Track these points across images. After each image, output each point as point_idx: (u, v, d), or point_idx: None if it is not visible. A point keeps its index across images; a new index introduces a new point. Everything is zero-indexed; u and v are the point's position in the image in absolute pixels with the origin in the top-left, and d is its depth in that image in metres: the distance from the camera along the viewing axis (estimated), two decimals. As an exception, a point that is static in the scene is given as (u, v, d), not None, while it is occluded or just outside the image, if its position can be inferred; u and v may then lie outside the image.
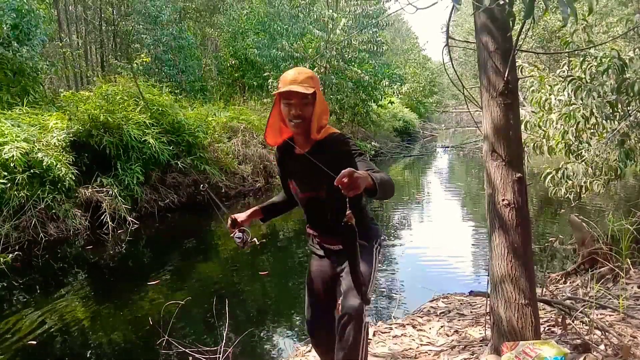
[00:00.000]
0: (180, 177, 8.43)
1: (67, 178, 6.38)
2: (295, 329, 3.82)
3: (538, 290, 3.00)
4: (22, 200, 5.96)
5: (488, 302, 2.33)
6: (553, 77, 4.53)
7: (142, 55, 12.19)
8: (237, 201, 8.96)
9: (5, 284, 4.90)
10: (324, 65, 13.48)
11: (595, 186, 3.89)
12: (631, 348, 2.29)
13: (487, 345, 2.40)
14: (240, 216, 2.05)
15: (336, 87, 13.87)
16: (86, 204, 6.80)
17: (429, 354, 2.70)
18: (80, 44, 16.07)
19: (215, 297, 3.48)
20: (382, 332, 3.08)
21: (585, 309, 2.77)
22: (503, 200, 2.06)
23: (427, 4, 2.04)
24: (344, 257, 1.91)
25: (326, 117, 1.90)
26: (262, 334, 3.74)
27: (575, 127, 3.87)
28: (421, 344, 2.85)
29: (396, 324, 3.27)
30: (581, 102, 3.74)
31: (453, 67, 2.60)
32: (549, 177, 4.08)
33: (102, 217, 6.68)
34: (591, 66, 3.64)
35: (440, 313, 3.47)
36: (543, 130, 4.34)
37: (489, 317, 2.43)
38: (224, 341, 2.66)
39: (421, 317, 3.36)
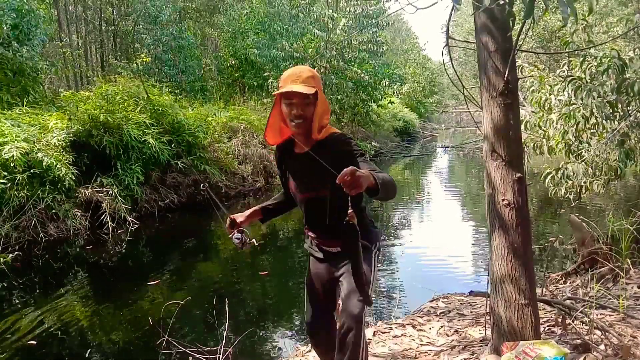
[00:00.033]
0: (180, 177, 8.43)
1: (67, 178, 6.38)
2: (295, 329, 3.82)
3: (538, 290, 3.00)
4: (22, 200, 5.96)
5: (488, 302, 2.33)
6: (553, 77, 4.53)
7: (142, 55, 12.20)
8: (237, 201, 8.96)
9: (5, 284, 4.90)
10: (324, 65, 13.48)
11: (595, 186, 3.89)
12: (631, 348, 2.29)
13: (487, 345, 2.40)
14: (239, 217, 2.02)
15: (336, 87, 13.87)
16: (86, 204, 6.80)
17: (429, 354, 2.70)
18: (80, 44, 16.06)
19: (215, 297, 3.48)
20: (382, 332, 3.08)
21: (585, 309, 2.77)
22: (503, 200, 2.06)
23: (427, 4, 2.04)
24: (342, 260, 1.90)
25: (327, 117, 1.87)
26: (262, 334, 3.74)
27: (575, 127, 3.87)
28: (421, 344, 2.86)
29: (396, 324, 3.27)
30: (581, 102, 3.74)
31: (453, 67, 2.60)
32: (549, 177, 4.08)
33: (102, 217, 6.68)
34: (591, 66, 3.64)
35: (440, 313, 3.47)
36: (543, 130, 4.34)
37: (489, 317, 2.43)
38: (224, 341, 2.66)
39: (421, 317, 3.37)
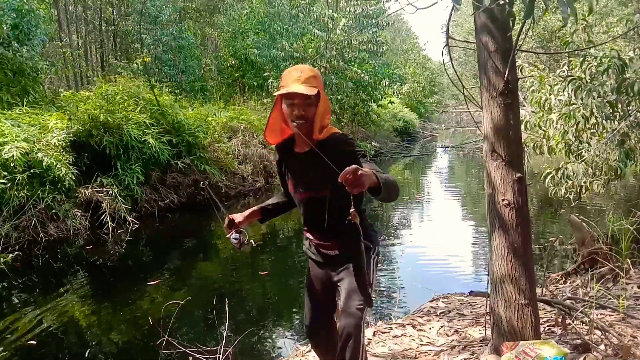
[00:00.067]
0: (180, 177, 8.43)
1: (67, 178, 6.38)
2: (295, 329, 3.82)
3: (538, 290, 3.00)
4: (22, 200, 5.96)
5: (488, 302, 2.33)
6: (553, 77, 4.53)
7: (142, 55, 12.18)
8: (237, 201, 8.96)
9: (5, 284, 4.90)
10: (324, 65, 13.47)
11: (595, 186, 3.89)
12: (631, 348, 2.29)
13: (487, 345, 2.40)
14: (238, 217, 2.01)
15: (336, 87, 13.87)
16: (86, 204, 6.80)
17: (429, 354, 2.70)
18: (80, 44, 16.06)
19: (215, 297, 3.48)
20: (382, 332, 3.08)
21: (585, 309, 2.77)
22: (503, 200, 2.06)
23: (427, 4, 2.04)
24: (341, 264, 1.88)
25: (328, 117, 1.84)
26: (262, 334, 3.74)
27: (575, 127, 3.87)
28: (421, 344, 2.86)
29: (396, 324, 3.27)
30: (581, 102, 3.74)
31: (453, 67, 2.60)
32: (549, 177, 4.08)
33: (102, 217, 6.68)
34: (591, 66, 3.64)
35: (440, 313, 3.47)
36: (543, 130, 4.34)
37: (489, 317, 2.43)
38: (224, 341, 2.66)
39: (421, 317, 3.37)
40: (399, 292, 4.47)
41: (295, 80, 1.73)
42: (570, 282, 3.91)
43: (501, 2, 1.78)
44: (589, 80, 3.68)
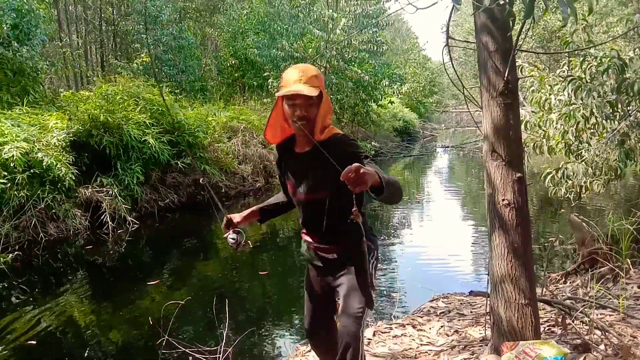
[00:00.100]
0: (180, 177, 8.43)
1: (67, 178, 6.38)
2: (295, 329, 3.82)
3: (538, 290, 3.00)
4: (22, 200, 5.96)
5: (488, 302, 2.33)
6: (553, 77, 4.53)
7: (142, 55, 12.19)
8: (237, 201, 8.97)
9: (5, 284, 4.90)
10: (324, 65, 13.47)
11: (595, 186, 3.89)
12: (631, 348, 2.29)
13: (487, 345, 2.40)
14: (236, 217, 1.99)
15: (336, 87, 13.88)
16: (86, 204, 6.80)
17: (429, 354, 2.70)
18: (80, 44, 16.06)
19: (215, 297, 3.48)
20: (382, 332, 3.08)
21: (585, 309, 2.77)
22: (503, 200, 2.06)
23: (427, 4, 2.04)
24: (339, 270, 1.86)
25: (330, 117, 1.81)
26: (262, 334, 3.74)
27: (575, 127, 3.87)
28: (421, 344, 2.86)
29: (396, 324, 3.27)
30: (581, 102, 3.74)
31: (453, 67, 2.60)
32: (549, 177, 4.08)
33: (102, 217, 6.68)
34: (591, 66, 3.64)
35: (440, 313, 3.47)
36: (543, 130, 4.34)
37: (489, 317, 2.43)
38: (224, 341, 2.66)
39: (421, 317, 3.37)
40: (399, 292, 4.47)
41: (296, 80, 1.70)
42: (570, 282, 3.91)
43: (501, 2, 1.78)
44: (589, 80, 3.68)
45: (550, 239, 4.93)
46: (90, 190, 6.88)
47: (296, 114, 1.71)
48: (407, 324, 3.21)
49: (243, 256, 5.58)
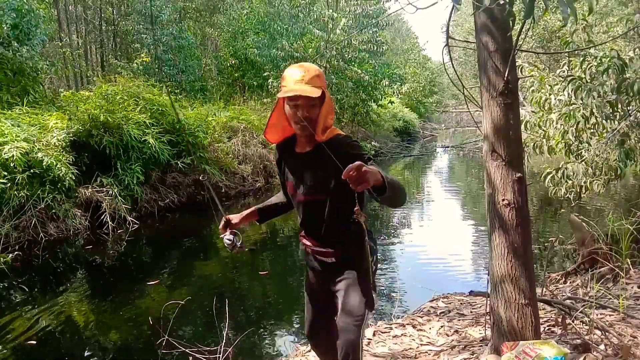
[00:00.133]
0: (180, 177, 8.43)
1: (67, 178, 6.38)
2: (295, 329, 3.82)
3: (538, 290, 3.00)
4: (22, 200, 5.96)
5: (488, 302, 2.33)
6: (553, 77, 4.53)
7: (142, 55, 12.19)
8: (237, 201, 8.97)
9: (5, 284, 4.90)
10: (324, 65, 13.47)
11: (595, 186, 3.89)
12: (631, 348, 2.29)
13: (487, 345, 2.41)
14: (235, 218, 1.97)
15: (336, 87, 13.88)
16: (86, 204, 6.80)
17: (429, 354, 2.70)
18: (80, 44, 16.07)
19: (215, 297, 3.48)
20: (382, 332, 3.08)
21: (585, 309, 2.77)
22: (503, 200, 2.06)
23: (427, 4, 2.04)
24: (337, 274, 1.83)
25: (332, 117, 1.78)
26: (262, 334, 3.74)
27: (575, 127, 3.87)
28: (421, 344, 2.86)
29: (396, 324, 3.27)
30: (581, 102, 3.74)
31: (453, 67, 2.60)
32: (549, 177, 4.08)
33: (102, 217, 6.68)
34: (591, 66, 3.64)
35: (440, 313, 3.47)
36: (543, 130, 4.34)
37: (489, 317, 2.43)
38: (224, 341, 2.66)
39: (421, 317, 3.37)
40: (399, 292, 4.47)
41: (298, 80, 1.66)
42: (570, 282, 3.91)
43: (501, 2, 1.78)
44: (589, 80, 3.68)
45: (550, 239, 4.93)
46: (90, 190, 6.88)
47: (298, 114, 1.68)
48: (407, 324, 3.21)
49: (243, 256, 5.58)
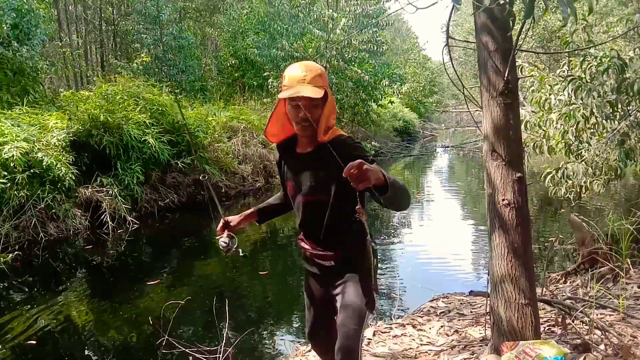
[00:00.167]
0: (180, 177, 8.43)
1: (67, 178, 6.38)
2: (295, 329, 3.82)
3: (538, 290, 3.00)
4: (22, 200, 5.96)
5: (488, 302, 2.33)
6: (553, 77, 4.53)
7: (142, 55, 12.19)
8: (237, 201, 8.97)
9: (5, 284, 4.89)
10: (324, 65, 13.46)
11: (595, 186, 3.89)
12: (631, 348, 2.29)
13: (487, 345, 2.41)
14: (234, 220, 1.95)
15: (336, 87, 13.88)
16: (86, 204, 6.80)
17: (429, 354, 2.70)
18: (80, 44, 16.06)
19: (215, 297, 3.48)
20: (382, 332, 3.08)
21: (585, 309, 2.77)
22: (503, 200, 2.06)
23: (427, 4, 2.04)
24: (337, 277, 1.80)
25: (334, 117, 1.74)
26: (262, 334, 3.74)
27: (575, 126, 3.87)
28: (421, 344, 2.86)
29: (396, 323, 3.27)
30: (581, 102, 3.74)
31: (453, 67, 2.60)
32: (549, 177, 4.08)
33: (102, 217, 6.68)
34: (591, 66, 3.64)
35: (440, 313, 3.47)
36: (543, 130, 4.34)
37: (489, 317, 2.43)
38: (224, 341, 2.66)
39: (421, 317, 3.37)
40: (399, 292, 4.47)
41: (300, 80, 1.62)
42: (570, 282, 3.91)
43: (501, 2, 1.78)
44: (589, 80, 3.68)
45: (550, 239, 4.94)
46: (90, 190, 6.88)
47: (300, 115, 1.64)
48: (407, 324, 3.21)
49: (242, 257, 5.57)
